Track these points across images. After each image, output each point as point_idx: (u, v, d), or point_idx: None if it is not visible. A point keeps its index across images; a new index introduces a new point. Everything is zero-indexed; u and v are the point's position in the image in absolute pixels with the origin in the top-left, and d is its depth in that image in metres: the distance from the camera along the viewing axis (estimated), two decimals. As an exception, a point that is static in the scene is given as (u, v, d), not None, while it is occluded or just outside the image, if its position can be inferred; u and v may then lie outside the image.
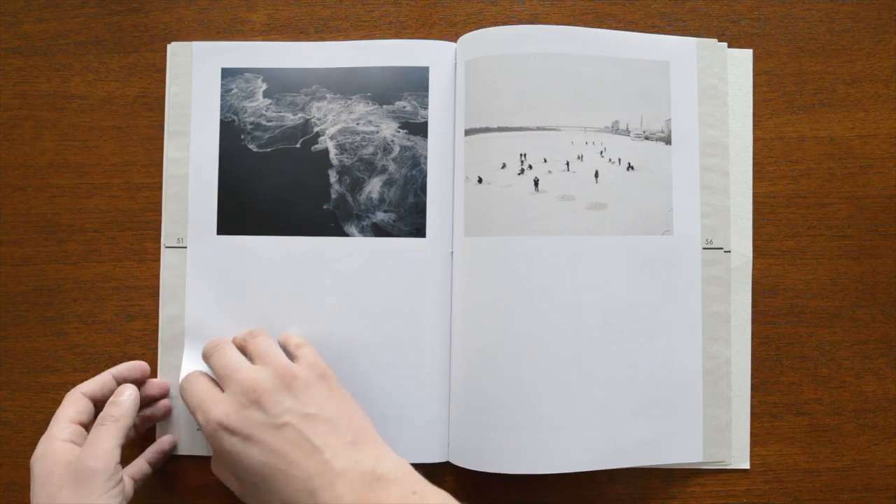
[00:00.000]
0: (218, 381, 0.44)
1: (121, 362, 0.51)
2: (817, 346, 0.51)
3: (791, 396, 0.51)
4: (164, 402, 0.50)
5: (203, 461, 0.50)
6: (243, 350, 0.46)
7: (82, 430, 0.44)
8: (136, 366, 0.49)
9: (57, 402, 0.51)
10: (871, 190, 0.52)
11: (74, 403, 0.45)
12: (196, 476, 0.51)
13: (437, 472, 0.50)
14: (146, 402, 0.49)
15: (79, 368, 0.52)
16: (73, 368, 0.52)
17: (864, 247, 0.52)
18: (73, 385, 0.51)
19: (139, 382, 0.48)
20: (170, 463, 0.50)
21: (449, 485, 0.50)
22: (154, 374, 0.51)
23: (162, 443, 0.49)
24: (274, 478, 0.38)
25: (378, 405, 0.49)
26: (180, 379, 0.46)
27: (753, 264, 0.51)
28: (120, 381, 0.47)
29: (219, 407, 0.41)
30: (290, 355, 0.45)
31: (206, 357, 0.45)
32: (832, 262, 0.52)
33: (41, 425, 0.51)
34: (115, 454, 0.42)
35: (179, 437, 0.50)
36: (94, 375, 0.51)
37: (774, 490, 0.51)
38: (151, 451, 0.48)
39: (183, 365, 0.50)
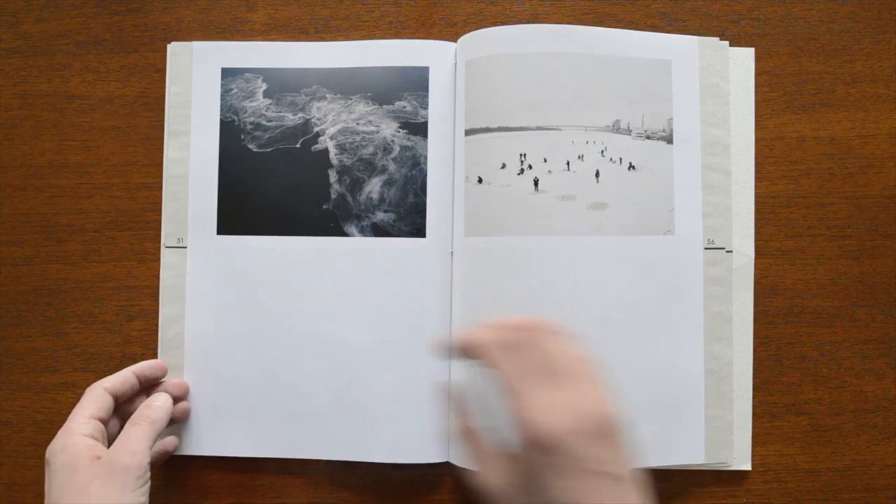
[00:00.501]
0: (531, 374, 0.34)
1: (121, 362, 0.51)
2: (817, 346, 0.51)
3: (791, 396, 0.51)
4: (183, 404, 0.49)
5: (204, 461, 0.50)
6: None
7: (102, 426, 0.44)
8: (156, 365, 0.49)
9: (57, 402, 0.51)
10: (871, 190, 0.52)
11: (95, 399, 0.44)
12: (196, 476, 0.51)
13: (437, 472, 0.50)
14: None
15: (79, 368, 0.52)
16: (73, 368, 0.52)
17: (864, 247, 0.52)
18: (73, 385, 0.51)
19: (157, 382, 0.49)
20: (170, 463, 0.50)
21: (449, 485, 0.50)
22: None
23: (165, 443, 0.49)
24: None
25: (378, 405, 0.49)
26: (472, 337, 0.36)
27: (754, 262, 0.51)
28: (141, 379, 0.48)
29: (554, 414, 0.32)
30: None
31: (527, 327, 0.35)
32: (832, 262, 0.52)
33: (41, 425, 0.51)
34: (147, 455, 0.42)
35: (181, 437, 0.50)
36: (94, 376, 0.51)
37: (774, 490, 0.51)
38: (154, 451, 0.48)
39: (185, 377, 0.50)
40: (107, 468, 0.40)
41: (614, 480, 0.32)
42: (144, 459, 0.42)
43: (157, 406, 0.46)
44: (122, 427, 0.45)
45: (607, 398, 0.33)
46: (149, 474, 0.42)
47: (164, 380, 0.50)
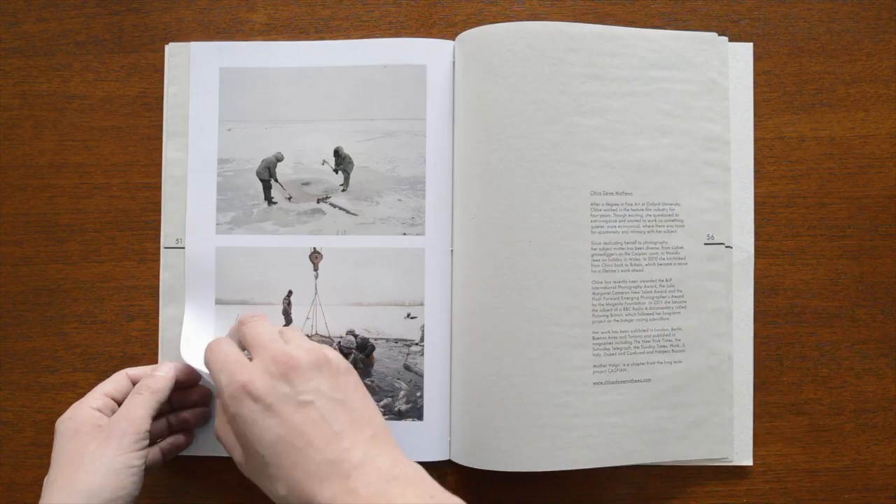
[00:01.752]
0: (249, 350, 0.42)
1: (121, 362, 0.52)
2: (817, 346, 0.51)
3: (791, 396, 0.51)
4: (202, 409, 0.49)
5: (204, 461, 0.50)
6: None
7: (114, 404, 0.45)
8: (185, 368, 0.48)
9: (57, 402, 0.51)
10: (871, 190, 0.52)
11: (115, 381, 0.46)
12: (196, 476, 0.51)
13: (438, 471, 0.50)
14: (188, 404, 0.49)
15: (79, 368, 0.52)
16: (73, 368, 0.52)
17: (864, 247, 0.52)
18: (73, 385, 0.52)
19: (187, 384, 0.49)
20: (171, 463, 0.50)
21: (450, 484, 0.50)
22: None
23: (178, 437, 0.49)
24: (286, 454, 0.37)
25: (380, 406, 0.49)
26: (182, 335, 0.46)
27: (755, 264, 0.51)
28: (177, 378, 0.47)
29: (246, 370, 0.39)
30: None
31: (242, 323, 0.44)
32: (832, 262, 0.52)
33: (41, 425, 0.51)
34: (146, 422, 0.43)
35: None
36: (94, 376, 0.51)
37: (774, 490, 0.51)
38: (167, 442, 0.48)
39: (185, 323, 0.50)
40: (105, 432, 0.42)
41: (335, 404, 0.38)
42: (143, 425, 0.43)
43: (160, 376, 0.45)
44: None
45: (296, 347, 0.40)
46: (146, 442, 0.43)
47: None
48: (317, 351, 0.40)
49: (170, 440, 0.48)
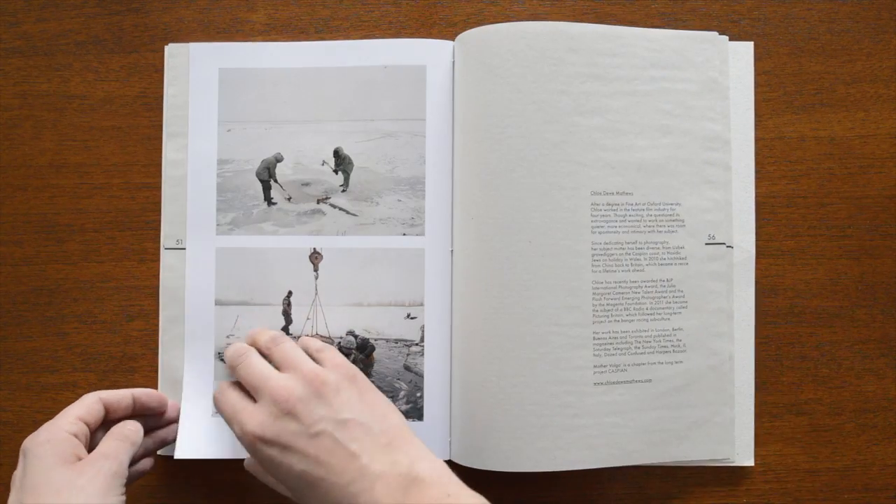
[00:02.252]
0: (248, 391, 0.43)
1: (121, 362, 0.52)
2: (817, 346, 0.51)
3: (791, 396, 0.51)
4: (174, 427, 0.49)
5: (204, 462, 0.50)
6: (268, 357, 0.44)
7: (87, 430, 0.44)
8: (157, 396, 0.48)
9: (57, 402, 0.51)
10: (871, 190, 0.52)
11: (88, 405, 0.45)
12: (196, 476, 0.51)
13: (437, 472, 0.50)
14: (162, 423, 0.49)
15: (79, 368, 0.52)
16: (73, 368, 0.52)
17: (864, 247, 0.52)
18: (73, 385, 0.51)
19: (154, 412, 0.48)
20: (170, 463, 0.50)
21: (449, 485, 0.50)
22: (154, 373, 0.51)
23: (142, 463, 0.48)
24: (315, 485, 0.38)
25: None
26: (184, 379, 0.47)
27: (755, 264, 0.51)
28: (137, 404, 0.47)
29: (254, 419, 0.41)
30: (314, 360, 0.44)
31: (231, 367, 0.44)
32: (832, 262, 0.52)
33: (41, 425, 0.51)
34: (126, 468, 0.42)
35: (183, 439, 0.50)
36: (94, 376, 0.51)
37: (774, 490, 0.51)
38: (131, 469, 0.46)
39: (185, 378, 0.50)
40: (93, 468, 0.41)
41: (345, 426, 0.39)
42: (125, 470, 0.42)
43: (132, 429, 0.45)
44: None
45: (291, 379, 0.41)
46: (125, 487, 0.42)
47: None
48: (312, 375, 0.41)
49: (137, 468, 0.47)
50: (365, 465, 0.38)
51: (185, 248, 0.51)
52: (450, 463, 0.49)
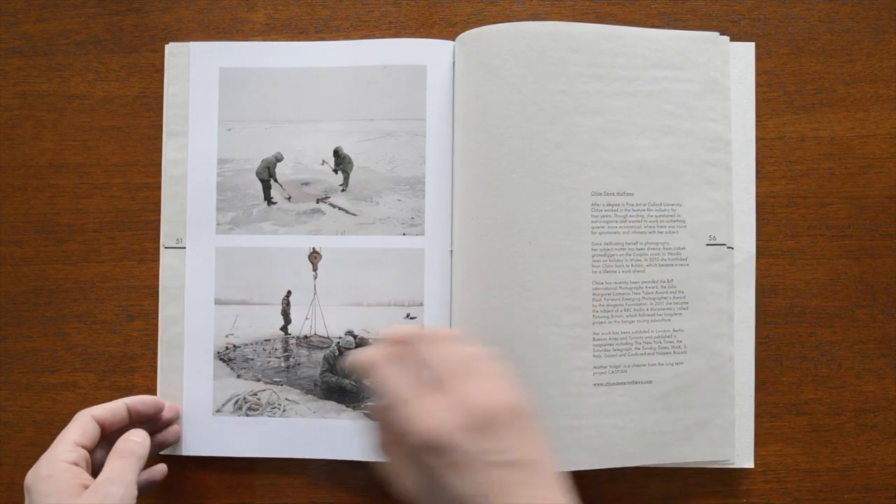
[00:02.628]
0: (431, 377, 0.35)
1: (121, 362, 0.52)
2: (817, 346, 0.51)
3: (791, 396, 0.51)
4: (174, 428, 0.49)
5: (204, 461, 0.50)
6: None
7: (86, 454, 0.43)
8: (152, 402, 0.48)
9: (57, 402, 0.51)
10: (871, 190, 0.52)
11: (82, 426, 0.44)
12: (196, 476, 0.51)
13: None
14: (160, 426, 0.49)
15: (79, 368, 0.52)
16: (73, 368, 0.52)
17: (864, 247, 0.52)
18: (73, 385, 0.51)
19: (151, 417, 0.48)
20: (170, 463, 0.50)
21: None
22: (154, 373, 0.51)
23: (153, 471, 0.48)
24: None
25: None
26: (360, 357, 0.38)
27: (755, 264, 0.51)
28: (132, 413, 0.47)
29: (435, 419, 0.33)
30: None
31: (421, 339, 0.37)
32: (832, 262, 0.52)
33: (41, 425, 0.51)
34: (135, 486, 0.42)
35: (183, 438, 0.50)
36: (94, 376, 0.51)
37: (775, 490, 0.51)
38: (142, 479, 0.47)
39: (185, 377, 0.50)
40: (100, 498, 0.40)
41: (515, 466, 0.33)
42: (134, 490, 0.41)
43: (138, 441, 0.44)
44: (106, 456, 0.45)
45: (497, 390, 0.35)
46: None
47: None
48: (513, 400, 0.35)
49: (144, 476, 0.47)
50: None
51: (184, 248, 0.51)
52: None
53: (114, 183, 0.52)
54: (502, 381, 0.36)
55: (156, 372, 0.51)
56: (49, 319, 0.52)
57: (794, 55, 0.52)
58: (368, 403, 0.38)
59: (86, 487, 0.41)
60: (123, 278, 0.52)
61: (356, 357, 0.38)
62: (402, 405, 0.34)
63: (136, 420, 0.47)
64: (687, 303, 0.49)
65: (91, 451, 0.44)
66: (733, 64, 0.52)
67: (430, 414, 0.33)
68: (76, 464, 0.42)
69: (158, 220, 0.52)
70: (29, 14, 0.53)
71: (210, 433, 0.50)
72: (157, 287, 0.52)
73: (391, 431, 0.35)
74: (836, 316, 0.52)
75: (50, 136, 0.53)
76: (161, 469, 0.48)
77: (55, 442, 0.43)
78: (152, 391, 0.51)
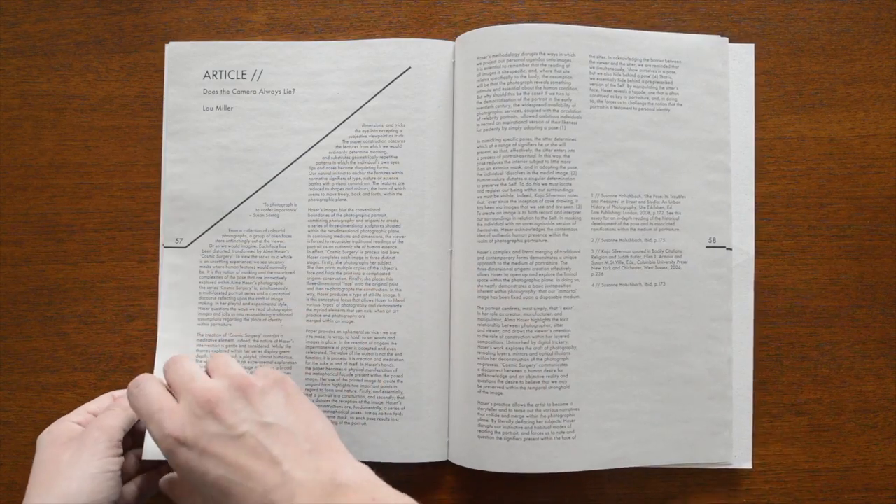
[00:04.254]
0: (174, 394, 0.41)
1: (121, 362, 0.52)
2: (817, 346, 0.51)
3: (791, 396, 0.51)
4: None
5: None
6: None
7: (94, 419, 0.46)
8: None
9: (57, 402, 0.51)
10: (871, 190, 0.52)
11: (100, 401, 0.47)
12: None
13: (437, 472, 0.50)
14: None
15: (79, 368, 0.52)
16: (73, 368, 0.52)
17: (864, 247, 0.52)
18: (73, 385, 0.52)
19: None
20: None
21: (449, 484, 0.51)
22: (152, 372, 0.51)
23: (151, 474, 0.48)
24: (232, 492, 0.36)
25: (377, 404, 0.49)
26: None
27: (754, 262, 0.51)
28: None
29: (173, 419, 0.38)
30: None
31: (164, 371, 0.43)
32: (832, 262, 0.52)
33: (41, 425, 0.51)
34: (119, 432, 0.44)
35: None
36: (94, 376, 0.52)
37: (774, 490, 0.51)
38: (143, 479, 0.47)
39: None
40: (78, 442, 0.43)
41: (232, 439, 0.37)
42: (115, 434, 0.43)
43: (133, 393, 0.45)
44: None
45: (214, 384, 0.39)
46: (120, 451, 0.43)
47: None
48: (238, 378, 0.40)
49: (138, 481, 0.47)
50: (286, 471, 0.36)
51: (185, 247, 0.51)
52: (448, 464, 0.49)
53: (114, 183, 0.52)
54: (228, 370, 0.41)
55: (154, 372, 0.51)
56: (49, 319, 0.52)
57: (794, 55, 0.52)
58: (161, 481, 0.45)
59: (74, 438, 0.44)
60: (123, 278, 0.52)
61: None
62: (151, 419, 0.39)
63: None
64: (685, 304, 0.49)
65: None
66: (732, 66, 0.52)
67: (170, 415, 0.39)
68: (80, 424, 0.45)
69: (158, 220, 0.52)
70: (29, 14, 0.53)
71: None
72: (157, 287, 0.52)
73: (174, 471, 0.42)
74: (836, 316, 0.52)
75: (50, 136, 0.53)
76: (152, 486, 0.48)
77: (74, 410, 0.46)
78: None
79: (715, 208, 0.50)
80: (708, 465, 0.50)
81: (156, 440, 0.39)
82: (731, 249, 0.50)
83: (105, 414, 0.45)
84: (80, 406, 0.47)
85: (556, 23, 0.51)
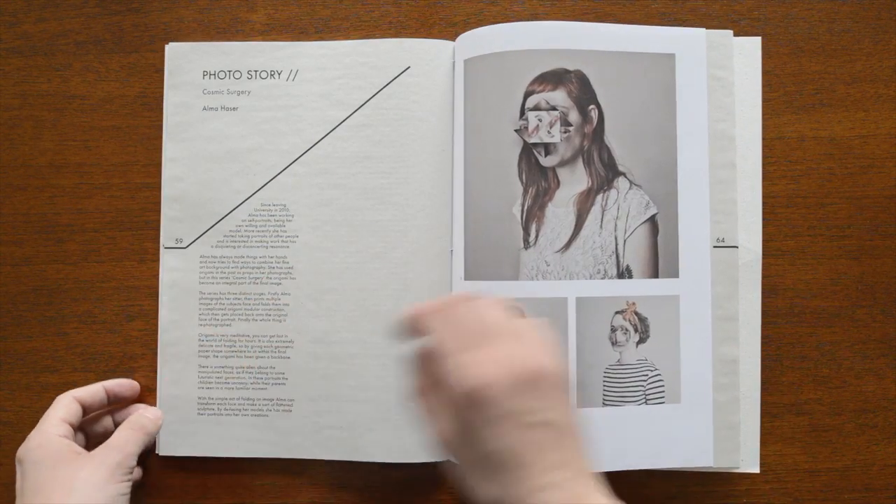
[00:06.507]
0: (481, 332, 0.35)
1: (121, 362, 0.52)
2: (817, 346, 0.51)
3: (791, 396, 0.51)
4: (157, 412, 0.49)
5: (204, 461, 0.50)
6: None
7: (72, 430, 0.45)
8: (129, 385, 0.50)
9: (57, 403, 0.51)
10: (871, 190, 0.52)
11: (66, 406, 0.46)
12: (196, 476, 0.51)
13: (437, 472, 0.50)
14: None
15: (79, 368, 0.52)
16: (73, 368, 0.52)
17: (864, 247, 0.52)
18: (73, 385, 0.51)
19: (128, 401, 0.50)
20: (170, 462, 0.50)
21: (449, 484, 0.50)
22: (154, 373, 0.51)
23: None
24: (507, 470, 0.32)
25: (378, 404, 0.49)
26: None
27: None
28: (111, 396, 0.49)
29: (484, 371, 0.33)
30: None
31: (458, 299, 0.37)
32: (832, 262, 0.52)
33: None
34: (134, 458, 0.44)
35: (183, 438, 0.50)
36: (94, 376, 0.51)
37: (775, 490, 0.51)
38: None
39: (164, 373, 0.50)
40: (96, 461, 0.42)
41: (550, 428, 0.33)
42: (132, 461, 0.44)
43: (149, 417, 0.47)
44: (87, 441, 0.48)
45: (542, 354, 0.35)
46: (133, 475, 0.44)
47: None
48: (562, 364, 0.35)
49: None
50: (557, 482, 0.32)
51: (184, 248, 0.51)
52: (448, 462, 0.49)
53: (114, 183, 0.52)
54: (546, 346, 0.35)
55: (156, 372, 0.51)
56: (49, 319, 0.52)
57: (795, 55, 0.52)
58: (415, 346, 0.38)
59: (77, 453, 0.43)
60: (123, 278, 0.52)
61: (410, 311, 0.37)
62: (448, 355, 0.34)
63: (113, 401, 0.49)
64: (690, 304, 0.49)
65: (76, 429, 0.46)
66: (738, 60, 0.51)
67: (477, 367, 0.33)
68: (65, 437, 0.44)
69: (158, 220, 0.52)
70: (29, 14, 0.53)
71: (210, 433, 0.50)
72: (157, 287, 0.52)
73: (432, 378, 0.35)
74: (836, 316, 0.52)
75: (50, 136, 0.53)
76: (137, 471, 0.48)
77: (41, 420, 0.45)
78: (152, 391, 0.51)
79: (721, 205, 0.49)
80: (716, 469, 0.49)
81: (449, 371, 0.34)
82: (736, 247, 0.49)
83: (125, 436, 0.44)
84: (45, 416, 0.46)
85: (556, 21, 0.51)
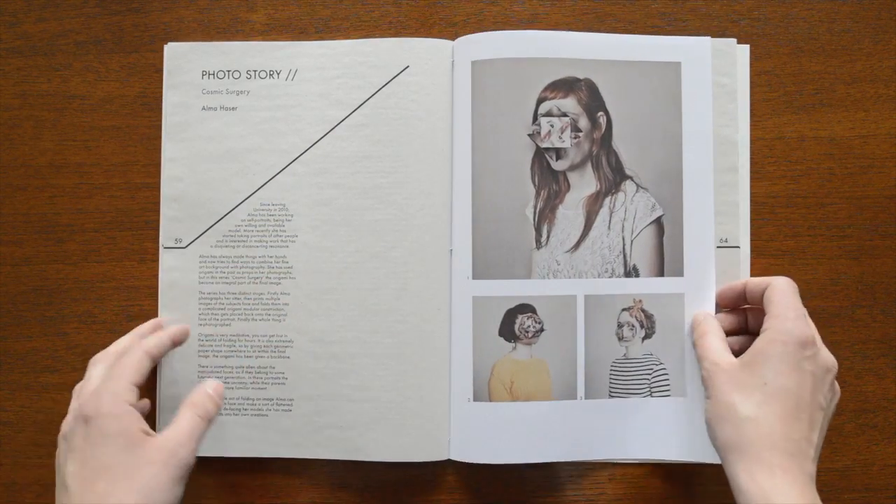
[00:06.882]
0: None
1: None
2: (817, 346, 0.51)
3: (791, 396, 0.51)
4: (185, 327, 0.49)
5: (204, 461, 0.50)
6: None
7: (139, 394, 0.43)
8: (187, 331, 0.49)
9: (57, 402, 0.51)
10: (871, 190, 0.52)
11: (138, 367, 0.43)
12: (196, 476, 0.51)
13: (437, 472, 0.50)
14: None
15: (79, 368, 0.52)
16: (73, 368, 0.52)
17: (864, 247, 0.52)
18: (74, 385, 0.51)
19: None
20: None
21: (450, 483, 0.51)
22: (154, 373, 0.51)
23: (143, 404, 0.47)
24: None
25: (378, 404, 0.49)
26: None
27: (752, 264, 0.51)
28: (176, 343, 0.47)
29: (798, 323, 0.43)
30: None
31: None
32: (832, 262, 0.52)
33: (41, 425, 0.51)
34: (195, 453, 0.41)
35: None
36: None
37: (774, 490, 0.51)
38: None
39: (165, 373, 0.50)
40: (166, 456, 0.39)
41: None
42: (195, 452, 0.41)
43: (217, 403, 0.44)
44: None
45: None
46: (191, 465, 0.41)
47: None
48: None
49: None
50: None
51: (184, 248, 0.51)
52: (448, 463, 0.49)
53: (114, 183, 0.52)
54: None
55: (155, 372, 0.51)
56: (49, 319, 0.52)
57: (794, 55, 0.52)
58: None
59: (145, 433, 0.40)
60: (123, 278, 0.52)
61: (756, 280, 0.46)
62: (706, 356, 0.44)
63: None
64: (695, 304, 0.49)
65: (141, 388, 0.43)
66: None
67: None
68: (133, 405, 0.41)
69: (158, 220, 0.52)
70: (29, 14, 0.53)
71: (211, 433, 0.50)
72: (157, 287, 0.52)
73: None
74: (836, 316, 0.52)
75: (50, 136, 0.53)
76: (144, 403, 0.48)
77: (111, 375, 0.42)
78: (152, 391, 0.51)
79: (724, 208, 0.50)
80: (712, 461, 0.49)
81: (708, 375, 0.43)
82: (738, 247, 0.50)
83: (192, 426, 0.42)
84: (116, 368, 0.43)
85: (555, 24, 0.51)
